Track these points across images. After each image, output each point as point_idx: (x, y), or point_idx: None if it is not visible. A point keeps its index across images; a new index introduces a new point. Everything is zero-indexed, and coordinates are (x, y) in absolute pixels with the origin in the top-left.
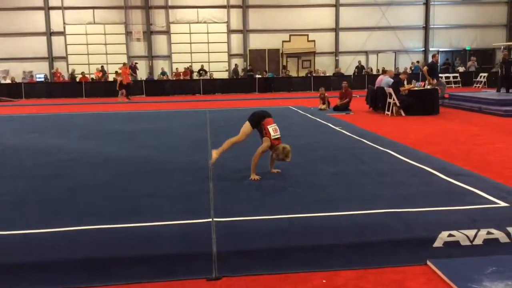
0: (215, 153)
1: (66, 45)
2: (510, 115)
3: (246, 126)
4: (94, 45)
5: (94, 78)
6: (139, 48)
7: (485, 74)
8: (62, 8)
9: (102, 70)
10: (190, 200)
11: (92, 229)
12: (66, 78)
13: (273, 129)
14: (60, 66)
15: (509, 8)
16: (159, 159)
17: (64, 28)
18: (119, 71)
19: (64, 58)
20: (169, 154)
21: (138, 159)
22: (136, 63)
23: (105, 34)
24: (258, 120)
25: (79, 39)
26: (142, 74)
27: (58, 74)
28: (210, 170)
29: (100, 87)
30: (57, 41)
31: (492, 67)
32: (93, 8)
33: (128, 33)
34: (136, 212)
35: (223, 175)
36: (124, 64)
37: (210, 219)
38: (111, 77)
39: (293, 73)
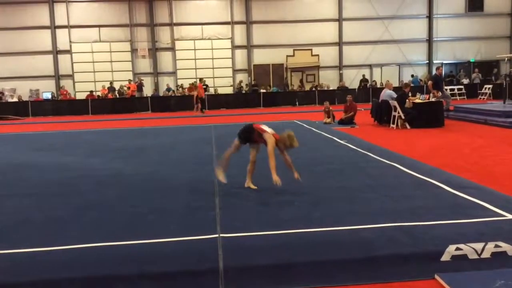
0: (219, 173)
1: (72, 63)
2: None
3: (235, 141)
4: (100, 62)
5: (100, 95)
6: (144, 64)
7: (490, 86)
8: (69, 27)
9: (111, 87)
10: (196, 216)
11: (98, 247)
12: (72, 95)
13: (265, 127)
14: (66, 84)
15: None
16: (165, 175)
17: (70, 46)
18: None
19: (71, 76)
20: (175, 170)
21: (144, 175)
22: (142, 79)
23: (110, 51)
24: (245, 132)
25: (85, 57)
26: (147, 90)
27: (64, 92)
28: (216, 186)
29: (106, 104)
30: (63, 59)
31: (497, 78)
32: (99, 26)
33: (133, 50)
34: (143, 229)
35: (229, 191)
36: (200, 79)
37: (217, 235)
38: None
39: (298, 87)
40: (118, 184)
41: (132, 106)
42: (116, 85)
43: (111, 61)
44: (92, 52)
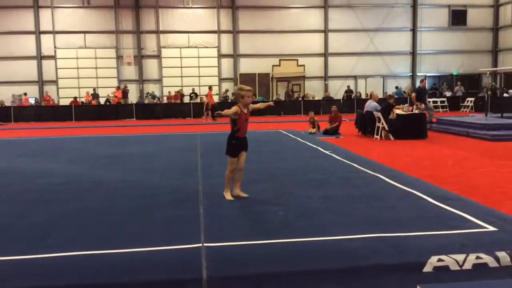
0: (227, 195)
1: (56, 69)
2: (497, 140)
3: (229, 160)
4: (84, 69)
5: (84, 101)
6: (129, 72)
7: (472, 99)
8: (53, 32)
9: (94, 93)
10: (180, 225)
11: (80, 255)
12: (56, 101)
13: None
14: (50, 90)
15: (494, 34)
16: (149, 183)
17: (55, 52)
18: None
19: (55, 82)
20: (159, 178)
21: (128, 183)
22: (126, 86)
23: (95, 58)
24: (235, 147)
25: (69, 63)
26: (132, 97)
27: (48, 98)
28: (200, 194)
29: (90, 110)
30: (47, 65)
31: (479, 92)
32: (84, 32)
33: (119, 57)
34: (125, 238)
35: (214, 199)
36: (210, 87)
37: (200, 244)
38: (102, 101)
39: (283, 97)
40: (101, 191)
41: (116, 113)
42: (101, 92)
43: (96, 68)
44: (77, 58)
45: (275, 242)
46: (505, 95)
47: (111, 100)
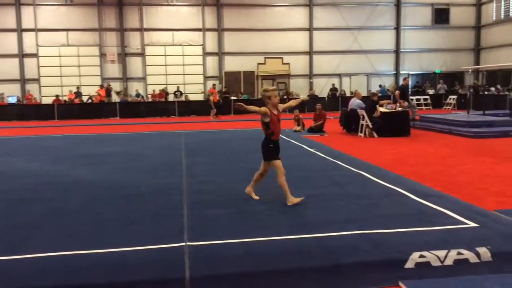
0: (291, 199)
1: (38, 67)
2: (479, 137)
3: (274, 164)
4: (67, 67)
5: (67, 100)
6: (113, 70)
7: (455, 97)
8: (36, 30)
9: (77, 92)
10: (163, 224)
11: (62, 256)
12: (38, 100)
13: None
14: (32, 88)
15: (476, 32)
16: (132, 182)
17: (37, 50)
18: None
19: (37, 80)
20: (143, 177)
21: (111, 182)
22: (109, 85)
23: (78, 56)
24: (274, 150)
25: (52, 61)
26: (116, 96)
27: (30, 97)
28: (184, 194)
29: (73, 109)
30: (29, 63)
31: (460, 88)
32: (67, 30)
33: (102, 55)
34: (108, 237)
35: (198, 199)
36: (213, 85)
37: (184, 244)
38: (85, 99)
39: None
40: (83, 191)
41: (99, 112)
42: (84, 90)
43: (78, 66)
44: (60, 56)
45: (258, 240)
46: (486, 92)
47: (93, 99)
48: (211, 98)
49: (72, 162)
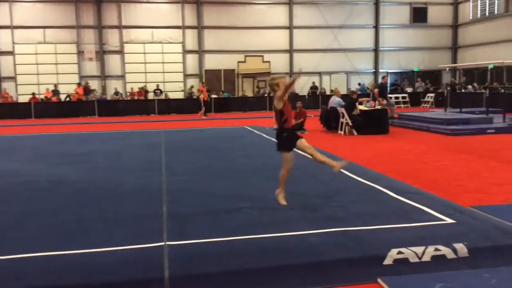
0: (281, 198)
1: (15, 65)
2: (456, 134)
3: (285, 157)
4: (44, 64)
5: (44, 98)
6: (91, 67)
7: (433, 95)
8: (12, 27)
9: (55, 90)
10: (143, 223)
11: (40, 256)
12: (15, 98)
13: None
14: (8, 86)
15: (454, 31)
16: (112, 181)
17: (13, 47)
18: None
19: (13, 78)
20: (122, 177)
21: (90, 182)
22: (87, 83)
23: (56, 53)
24: (289, 139)
25: (28, 58)
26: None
27: (6, 95)
28: (164, 193)
29: (51, 107)
30: (5, 60)
31: (438, 88)
32: (44, 27)
33: (80, 53)
34: (87, 237)
35: (178, 197)
36: (203, 83)
37: (163, 243)
38: (63, 97)
39: (249, 93)
40: (62, 191)
41: (77, 110)
42: (61, 88)
43: (56, 63)
44: (36, 53)
45: (239, 238)
46: (463, 90)
47: (71, 97)
48: (201, 96)
49: (50, 162)
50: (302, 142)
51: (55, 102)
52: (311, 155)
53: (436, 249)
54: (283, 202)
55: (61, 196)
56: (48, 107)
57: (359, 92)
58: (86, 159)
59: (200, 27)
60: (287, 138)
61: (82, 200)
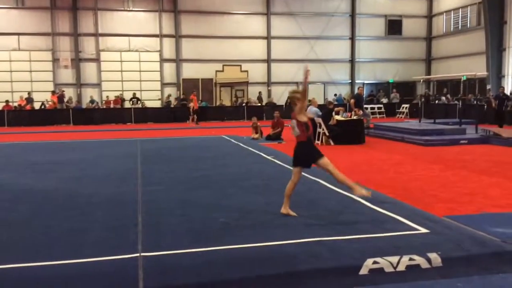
0: (288, 210)
1: None
2: (430, 145)
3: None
4: (18, 72)
5: (18, 106)
6: (66, 75)
7: (407, 105)
8: None
9: (29, 98)
10: (116, 234)
11: (6, 269)
12: None
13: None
14: None
15: (428, 43)
16: (85, 191)
17: None
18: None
19: None
20: (96, 186)
21: (62, 191)
22: (63, 90)
23: (30, 61)
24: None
25: (2, 66)
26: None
27: None
28: (139, 203)
29: (24, 115)
30: None
31: (413, 99)
32: (19, 34)
33: (55, 60)
34: (57, 249)
35: (153, 207)
36: (193, 91)
37: (137, 254)
38: (37, 105)
39: (227, 103)
40: (32, 201)
41: (52, 119)
42: (36, 96)
43: (30, 71)
44: (10, 60)
45: (215, 249)
46: (437, 101)
47: (46, 105)
48: (191, 104)
49: (21, 170)
50: (324, 160)
51: (29, 110)
52: (332, 174)
53: (411, 259)
54: (292, 213)
55: (31, 206)
56: (22, 115)
57: (336, 102)
58: (58, 168)
59: (177, 36)
60: (309, 152)
61: (53, 210)
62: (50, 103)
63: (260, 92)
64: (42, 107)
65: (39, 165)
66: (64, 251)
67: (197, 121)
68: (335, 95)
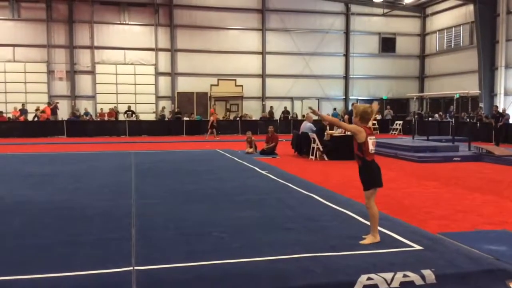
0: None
1: None
2: (423, 161)
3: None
4: (13, 83)
5: (12, 117)
6: (61, 87)
7: (401, 122)
8: None
9: (23, 109)
10: (110, 247)
11: (1, 281)
12: None
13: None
14: None
15: (421, 61)
16: (78, 204)
17: None
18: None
19: None
20: (90, 199)
21: (55, 204)
22: (57, 102)
23: (25, 72)
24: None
25: None
26: (64, 114)
27: None
28: (133, 216)
29: (18, 127)
30: None
31: (407, 116)
32: (14, 45)
33: (50, 72)
34: (51, 262)
35: (146, 221)
36: (213, 105)
37: (131, 268)
38: (31, 117)
39: (221, 117)
40: (25, 213)
41: (46, 130)
42: (30, 107)
43: (25, 82)
44: (5, 72)
45: (208, 263)
46: (430, 119)
47: (39, 116)
48: (212, 118)
49: (14, 182)
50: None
51: (23, 121)
52: (369, 208)
53: (405, 275)
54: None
55: (23, 218)
56: (15, 127)
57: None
58: (52, 181)
59: (173, 50)
60: (377, 171)
61: (47, 223)
62: (40, 113)
63: (271, 107)
64: (35, 119)
65: (32, 177)
66: (57, 263)
67: (217, 133)
68: (334, 109)
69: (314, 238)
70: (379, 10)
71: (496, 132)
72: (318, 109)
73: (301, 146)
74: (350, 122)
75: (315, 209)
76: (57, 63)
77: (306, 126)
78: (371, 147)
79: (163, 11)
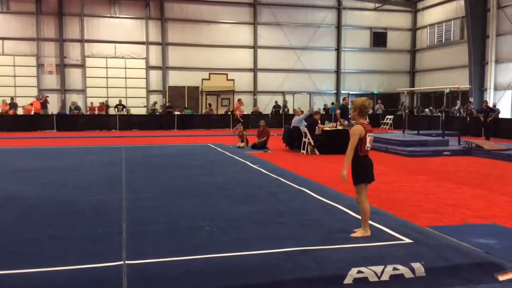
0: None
1: None
2: (413, 155)
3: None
4: (2, 77)
5: (1, 111)
6: (51, 81)
7: (391, 116)
8: None
9: (12, 103)
10: (100, 242)
11: None
12: None
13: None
14: None
15: (412, 56)
16: (69, 198)
17: None
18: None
19: None
20: (80, 193)
21: (45, 198)
22: (47, 96)
23: (14, 66)
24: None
25: None
26: (53, 108)
27: None
28: (124, 210)
29: (7, 121)
30: None
31: (397, 110)
32: (3, 39)
33: (39, 66)
34: (40, 256)
35: (138, 215)
36: (239, 100)
37: (122, 262)
38: (20, 111)
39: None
40: (14, 207)
41: (35, 124)
42: (19, 101)
43: (14, 76)
44: None
45: (200, 258)
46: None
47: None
48: (237, 113)
49: (4, 177)
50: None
51: (12, 115)
52: (360, 203)
53: (395, 269)
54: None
55: (13, 213)
56: (4, 120)
57: (323, 113)
58: (41, 175)
59: (164, 44)
60: (369, 167)
61: (36, 217)
62: (27, 106)
63: (286, 101)
64: (26, 113)
65: (20, 172)
66: (47, 258)
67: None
68: (332, 103)
69: (305, 232)
70: (371, 5)
71: (486, 127)
72: (310, 103)
73: (293, 140)
74: (342, 116)
75: (306, 203)
76: (46, 56)
77: (297, 120)
78: (368, 144)
79: (154, 4)
